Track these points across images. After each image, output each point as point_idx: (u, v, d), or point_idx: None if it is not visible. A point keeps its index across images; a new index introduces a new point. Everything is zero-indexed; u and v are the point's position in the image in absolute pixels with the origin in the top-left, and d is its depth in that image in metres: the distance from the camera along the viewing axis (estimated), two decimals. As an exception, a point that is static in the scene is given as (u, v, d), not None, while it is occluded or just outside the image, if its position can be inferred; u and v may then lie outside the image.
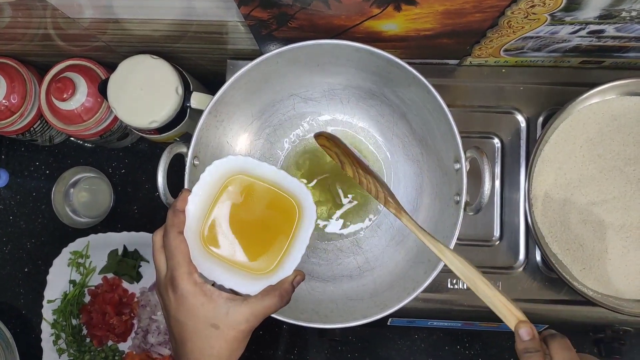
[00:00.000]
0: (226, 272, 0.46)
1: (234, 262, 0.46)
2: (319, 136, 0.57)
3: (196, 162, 0.55)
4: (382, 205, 0.62)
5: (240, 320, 0.43)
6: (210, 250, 0.46)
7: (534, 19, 0.52)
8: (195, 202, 0.46)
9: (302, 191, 0.47)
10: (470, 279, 0.45)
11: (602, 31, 0.55)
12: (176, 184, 0.54)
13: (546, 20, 0.53)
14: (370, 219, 0.64)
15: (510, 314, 0.44)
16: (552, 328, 0.67)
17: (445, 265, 0.51)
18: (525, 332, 0.42)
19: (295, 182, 0.47)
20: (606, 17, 0.52)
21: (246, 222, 0.47)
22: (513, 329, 0.43)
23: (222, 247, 0.47)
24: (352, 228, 0.64)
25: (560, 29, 0.55)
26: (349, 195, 0.64)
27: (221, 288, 0.44)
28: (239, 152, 0.63)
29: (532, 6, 0.49)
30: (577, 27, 0.54)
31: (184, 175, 0.54)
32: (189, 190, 0.46)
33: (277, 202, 0.48)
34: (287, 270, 0.46)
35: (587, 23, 0.53)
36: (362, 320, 0.52)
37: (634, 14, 0.51)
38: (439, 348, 0.80)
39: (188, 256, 0.44)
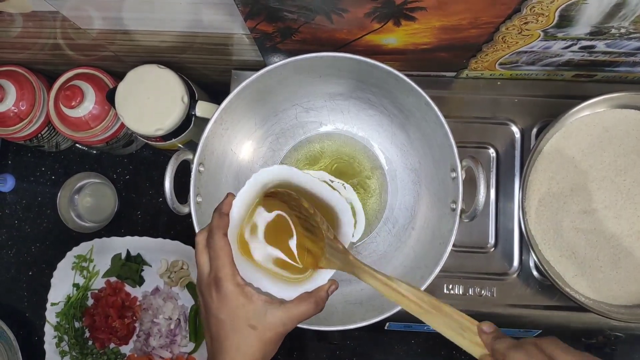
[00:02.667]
0: (263, 276, 0.47)
1: (267, 269, 0.47)
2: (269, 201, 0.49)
3: (201, 169, 0.57)
4: (382, 214, 0.64)
5: (277, 323, 0.44)
6: (247, 255, 0.47)
7: (528, 35, 0.54)
8: (238, 206, 0.47)
9: (341, 205, 0.48)
10: (421, 313, 0.42)
11: (593, 47, 0.57)
12: (181, 189, 0.55)
13: (539, 36, 0.55)
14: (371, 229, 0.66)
15: (468, 322, 0.42)
16: (545, 333, 0.69)
17: (441, 270, 0.53)
18: (487, 327, 0.41)
19: (335, 195, 0.48)
20: (597, 33, 0.54)
21: (283, 231, 0.48)
22: (476, 332, 0.41)
23: (257, 253, 0.47)
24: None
25: (553, 44, 0.57)
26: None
27: (258, 291, 0.45)
28: (242, 159, 0.64)
29: (526, 23, 0.52)
30: (569, 43, 0.57)
31: (188, 181, 0.56)
32: (234, 195, 0.47)
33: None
34: (323, 278, 0.47)
35: (579, 39, 0.55)
36: (360, 323, 0.53)
37: (623, 30, 0.53)
38: (435, 353, 0.81)
39: (232, 258, 0.45)
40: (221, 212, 0.47)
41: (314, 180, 0.48)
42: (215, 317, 0.45)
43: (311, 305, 0.45)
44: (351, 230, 0.48)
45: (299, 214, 0.48)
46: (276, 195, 0.48)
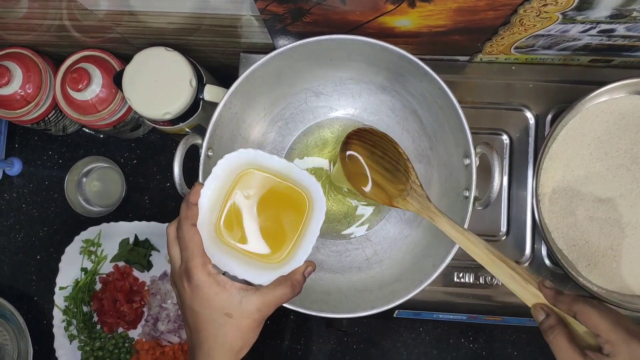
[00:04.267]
0: (239, 263, 0.47)
1: (247, 253, 0.48)
2: (349, 141, 0.57)
3: (210, 154, 0.56)
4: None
5: (252, 310, 0.44)
6: (225, 240, 0.47)
7: (546, 18, 0.53)
8: (207, 195, 0.47)
9: (311, 183, 0.48)
10: (489, 263, 0.48)
11: (612, 30, 0.56)
12: (189, 174, 0.55)
13: (558, 19, 0.53)
14: (380, 217, 0.65)
15: (528, 294, 0.47)
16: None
17: (452, 259, 0.52)
18: (539, 314, 0.46)
19: (305, 174, 0.48)
20: (617, 16, 0.52)
21: (258, 214, 0.49)
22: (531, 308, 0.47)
23: (235, 238, 0.48)
24: (363, 227, 0.65)
25: (571, 27, 0.55)
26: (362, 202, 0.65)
27: (234, 279, 0.45)
28: (251, 144, 0.64)
29: (545, 5, 0.50)
30: (588, 26, 0.55)
31: (196, 166, 0.55)
32: (202, 184, 0.47)
33: (288, 194, 0.49)
34: (298, 260, 0.47)
35: (598, 22, 0.54)
36: (370, 311, 0.53)
37: (645, 13, 0.51)
38: (443, 341, 0.81)
39: (201, 247, 0.45)
40: (189, 202, 0.46)
41: (282, 161, 0.48)
42: (190, 309, 0.45)
43: (287, 289, 0.45)
44: (324, 208, 0.48)
45: (383, 155, 0.55)
46: (361, 137, 0.55)
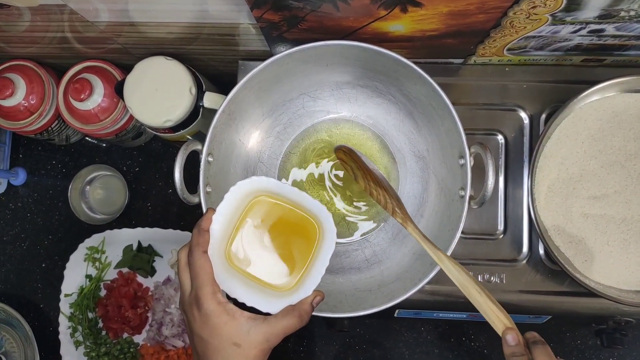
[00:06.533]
0: (248, 290, 0.47)
1: (256, 279, 0.48)
2: (338, 150, 0.60)
3: (210, 159, 0.57)
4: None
5: (261, 340, 0.45)
6: (235, 266, 0.48)
7: (536, 19, 0.54)
8: (219, 221, 0.48)
9: (322, 213, 0.48)
10: (464, 285, 0.48)
11: (602, 30, 0.57)
12: (190, 180, 0.56)
13: (547, 20, 0.54)
14: (378, 219, 0.66)
15: (498, 321, 0.47)
16: (555, 319, 0.69)
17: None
18: (512, 338, 0.46)
19: (316, 204, 0.48)
20: (605, 16, 0.53)
21: (269, 241, 0.49)
22: (500, 335, 0.46)
23: (245, 264, 0.48)
24: (362, 229, 0.66)
25: (562, 28, 0.56)
26: (360, 203, 0.66)
27: (243, 305, 0.46)
28: (250, 149, 0.65)
29: (534, 7, 0.51)
30: (578, 27, 0.56)
31: (196, 172, 0.56)
32: (214, 210, 0.48)
33: (299, 222, 0.49)
34: (307, 290, 0.47)
35: (588, 22, 0.55)
36: (370, 310, 0.53)
37: (632, 13, 0.52)
38: (444, 340, 0.81)
39: (212, 275, 0.46)
40: (200, 228, 0.47)
41: (294, 190, 0.48)
42: (198, 336, 0.45)
43: (295, 319, 0.46)
44: (335, 238, 0.48)
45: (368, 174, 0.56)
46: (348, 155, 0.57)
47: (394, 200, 0.55)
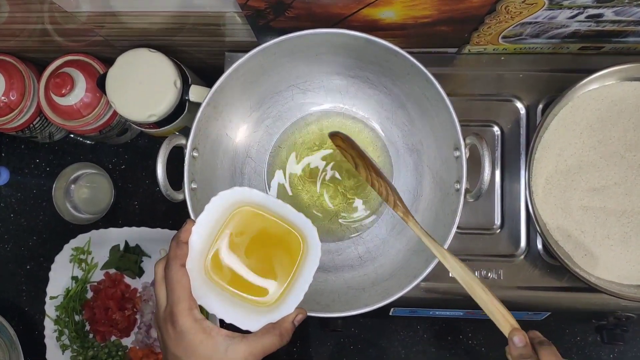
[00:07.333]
0: (227, 305, 0.45)
1: (236, 295, 0.46)
2: (334, 136, 0.57)
3: (195, 154, 0.55)
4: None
5: (238, 359, 0.43)
6: (214, 280, 0.46)
7: (532, 4, 0.52)
8: (199, 232, 0.46)
9: (307, 227, 0.46)
10: (469, 283, 0.47)
11: (600, 15, 0.55)
12: (174, 176, 0.54)
13: (544, 5, 0.52)
14: (371, 212, 0.64)
15: (504, 321, 0.45)
16: (554, 315, 0.68)
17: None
18: (519, 340, 0.44)
19: (301, 217, 0.46)
20: (604, 0, 0.51)
21: (250, 255, 0.47)
22: (507, 335, 0.45)
23: (225, 278, 0.46)
24: (355, 225, 0.64)
25: (559, 13, 0.55)
26: (353, 199, 0.64)
27: (222, 322, 0.44)
28: (238, 143, 0.63)
29: (530, -10, 0.49)
30: (576, 12, 0.54)
31: (183, 168, 0.54)
32: (193, 221, 0.46)
33: (282, 235, 0.47)
34: (289, 307, 0.45)
35: (585, 7, 0.53)
36: (364, 309, 0.52)
37: (632, -4, 0.51)
38: (441, 338, 0.80)
39: (189, 291, 0.44)
40: (178, 240, 0.45)
41: (277, 202, 0.46)
42: (173, 355, 0.43)
43: (275, 338, 0.44)
44: (319, 253, 0.46)
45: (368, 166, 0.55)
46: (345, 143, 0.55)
47: (395, 193, 0.53)
